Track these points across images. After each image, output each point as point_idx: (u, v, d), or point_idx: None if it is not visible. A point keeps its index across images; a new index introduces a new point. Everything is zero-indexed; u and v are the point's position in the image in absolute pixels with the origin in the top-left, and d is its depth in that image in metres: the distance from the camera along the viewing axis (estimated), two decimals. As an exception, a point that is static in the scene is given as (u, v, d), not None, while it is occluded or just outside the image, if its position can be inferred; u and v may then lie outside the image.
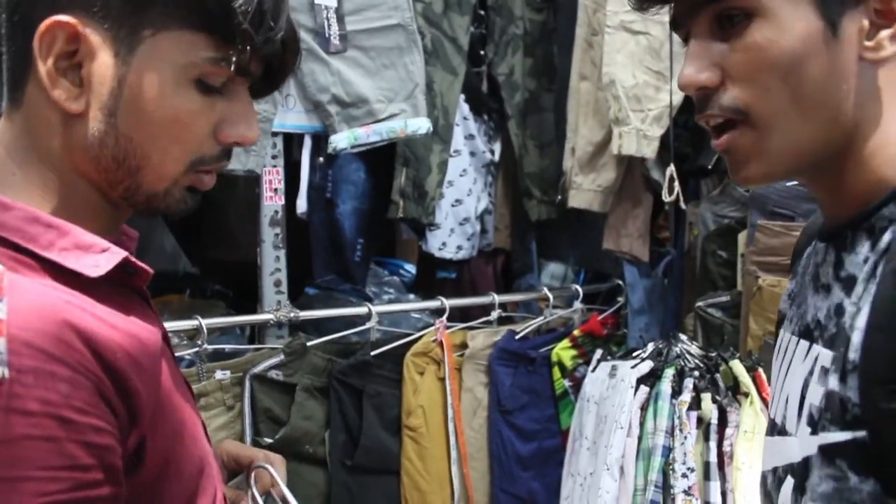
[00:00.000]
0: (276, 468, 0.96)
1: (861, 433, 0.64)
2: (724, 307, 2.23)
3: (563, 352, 2.35)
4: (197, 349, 1.81)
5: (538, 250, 2.73)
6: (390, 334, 2.14)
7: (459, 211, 2.39)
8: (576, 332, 2.39)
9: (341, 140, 2.03)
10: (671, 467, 1.77)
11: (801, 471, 0.71)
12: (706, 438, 1.78)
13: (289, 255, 2.04)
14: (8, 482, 0.58)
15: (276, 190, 2.00)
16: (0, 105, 0.75)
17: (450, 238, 2.39)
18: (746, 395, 1.81)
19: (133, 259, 0.73)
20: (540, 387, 2.34)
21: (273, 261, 2.01)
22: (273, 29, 0.72)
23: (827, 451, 0.67)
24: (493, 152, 2.49)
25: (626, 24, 2.18)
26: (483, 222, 2.49)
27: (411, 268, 2.86)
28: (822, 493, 0.67)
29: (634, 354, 2.02)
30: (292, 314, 2.00)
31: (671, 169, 2.10)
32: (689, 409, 1.80)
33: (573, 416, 2.15)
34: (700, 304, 2.27)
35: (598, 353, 2.15)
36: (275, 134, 2.00)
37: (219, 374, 1.86)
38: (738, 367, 1.85)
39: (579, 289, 2.52)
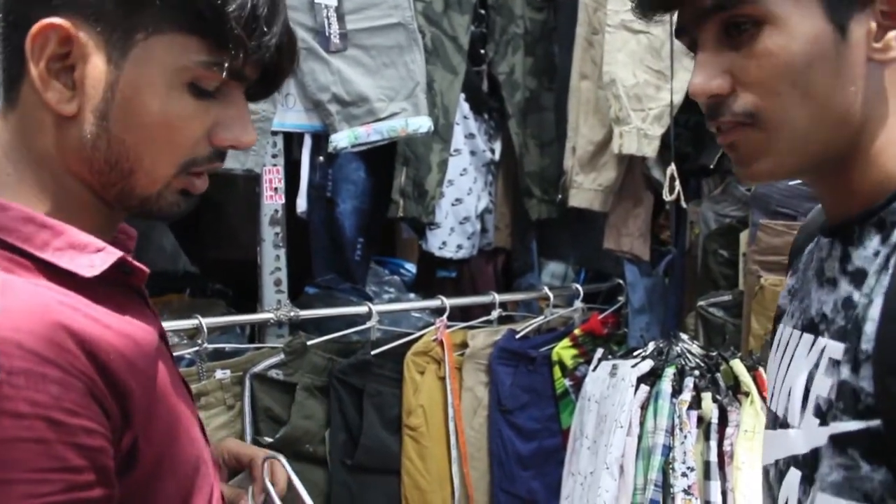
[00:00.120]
0: (275, 467, 0.96)
1: (875, 422, 0.65)
2: (725, 306, 2.23)
3: (564, 351, 2.35)
4: (197, 348, 1.81)
5: (539, 249, 2.73)
6: (391, 333, 2.14)
7: (460, 210, 2.39)
8: (576, 332, 2.39)
9: (342, 139, 2.02)
10: (671, 466, 1.76)
11: (809, 462, 0.72)
12: (706, 438, 1.78)
13: (289, 255, 2.04)
14: None
15: (276, 189, 2.00)
16: None
17: (450, 237, 2.39)
18: (747, 394, 1.81)
19: (129, 259, 0.73)
20: (540, 386, 2.34)
21: (273, 260, 2.01)
22: (267, 34, 0.71)
23: (838, 441, 0.68)
24: (493, 151, 2.49)
25: (626, 23, 2.18)
26: (483, 221, 2.49)
27: (411, 267, 2.86)
28: (832, 483, 0.68)
29: (635, 354, 2.02)
30: (292, 313, 1.99)
31: (672, 168, 2.10)
32: (690, 408, 1.80)
33: (574, 416, 2.15)
34: (701, 303, 2.27)
35: (599, 352, 2.14)
36: (275, 133, 1.99)
37: (219, 374, 1.86)
38: (738, 366, 1.85)
39: (580, 288, 2.52)
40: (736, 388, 1.85)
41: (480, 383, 2.26)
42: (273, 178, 2.00)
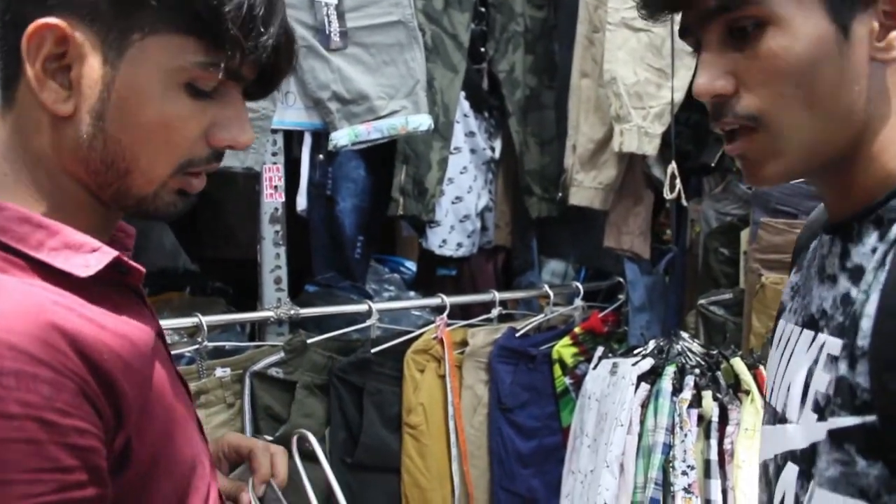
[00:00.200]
0: (275, 458, 0.96)
1: (871, 418, 0.65)
2: (726, 305, 2.23)
3: (564, 349, 2.35)
4: (197, 346, 1.81)
5: (539, 247, 2.73)
6: (391, 332, 2.14)
7: (460, 208, 2.38)
8: (577, 330, 2.38)
9: (342, 137, 2.02)
10: (671, 465, 1.76)
11: (807, 457, 0.72)
12: (707, 436, 1.78)
13: (289, 253, 2.04)
14: None
15: (276, 187, 2.00)
16: None
17: (450, 235, 2.38)
18: (747, 392, 1.81)
19: (124, 258, 0.73)
20: (540, 384, 2.34)
21: (273, 258, 2.00)
22: (264, 34, 0.71)
23: (835, 436, 0.68)
24: (493, 149, 2.48)
25: (627, 20, 2.18)
26: (483, 219, 2.49)
27: (412, 265, 2.85)
28: (829, 478, 0.68)
29: (635, 352, 2.01)
30: (292, 311, 1.99)
31: (673, 166, 2.10)
32: (690, 406, 1.80)
33: (574, 414, 2.15)
34: (702, 301, 2.27)
35: (599, 350, 2.14)
36: (274, 131, 1.99)
37: (219, 372, 1.86)
38: (739, 364, 1.85)
39: (580, 286, 2.52)
40: (736, 387, 1.85)
41: (480, 381, 2.25)
42: (273, 177, 2.00)
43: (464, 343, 2.24)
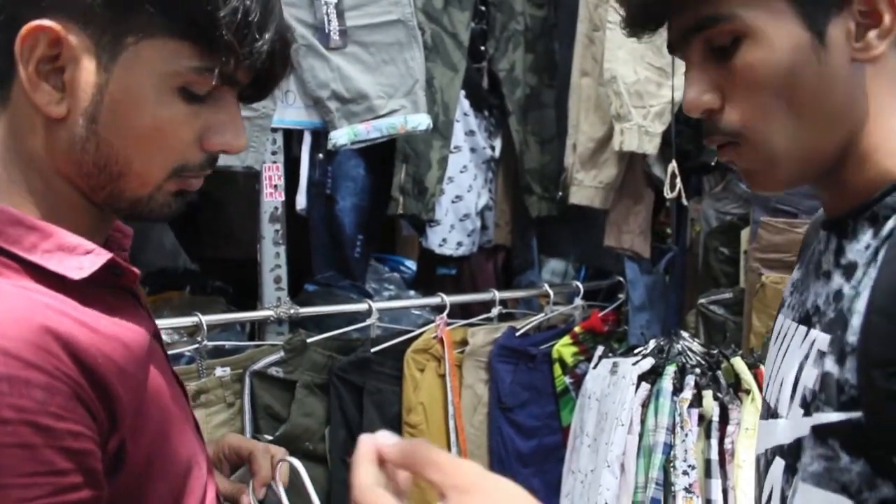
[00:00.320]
0: (282, 467, 0.96)
1: (856, 414, 0.65)
2: (726, 304, 2.22)
3: (564, 348, 2.35)
4: (197, 346, 1.81)
5: (539, 247, 2.73)
6: (391, 331, 2.14)
7: (460, 207, 2.38)
8: (577, 329, 2.38)
9: (341, 136, 2.02)
10: (672, 465, 1.76)
11: (793, 451, 0.73)
12: (707, 436, 1.78)
13: (288, 252, 2.03)
14: None
15: (275, 186, 2.00)
16: None
17: (450, 234, 2.38)
18: (748, 392, 1.81)
19: (119, 260, 0.72)
20: (540, 384, 2.33)
21: (273, 257, 2.00)
22: (259, 40, 0.71)
23: (820, 431, 0.69)
24: (493, 148, 2.48)
25: (627, 19, 2.17)
26: (483, 219, 2.49)
27: (411, 264, 2.85)
28: (812, 473, 0.69)
29: (636, 351, 2.01)
30: (292, 311, 1.99)
31: (673, 165, 2.09)
32: (691, 406, 1.80)
33: (574, 413, 2.15)
34: (702, 300, 2.27)
35: (600, 349, 2.14)
36: (274, 130, 1.99)
37: (219, 371, 1.85)
38: (739, 364, 1.85)
39: (580, 285, 2.51)
40: (737, 386, 1.85)
41: (480, 381, 2.25)
42: (273, 176, 1.99)
43: (464, 342, 2.24)
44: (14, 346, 0.61)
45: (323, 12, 1.99)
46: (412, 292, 2.51)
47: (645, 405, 1.85)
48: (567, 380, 2.33)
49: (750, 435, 1.73)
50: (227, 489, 0.95)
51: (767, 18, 0.70)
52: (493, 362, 2.25)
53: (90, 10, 0.68)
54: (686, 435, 1.76)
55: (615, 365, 1.97)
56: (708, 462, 1.76)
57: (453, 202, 2.37)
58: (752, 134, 0.73)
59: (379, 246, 2.60)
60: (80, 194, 0.73)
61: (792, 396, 0.74)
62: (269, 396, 1.92)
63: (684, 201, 2.19)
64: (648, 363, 1.91)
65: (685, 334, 2.00)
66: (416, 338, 2.13)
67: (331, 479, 2.00)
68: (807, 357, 0.73)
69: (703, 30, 0.72)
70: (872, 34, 0.71)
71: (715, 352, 1.94)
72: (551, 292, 2.43)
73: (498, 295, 2.31)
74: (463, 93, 2.33)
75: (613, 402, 1.90)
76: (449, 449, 2.16)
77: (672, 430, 1.79)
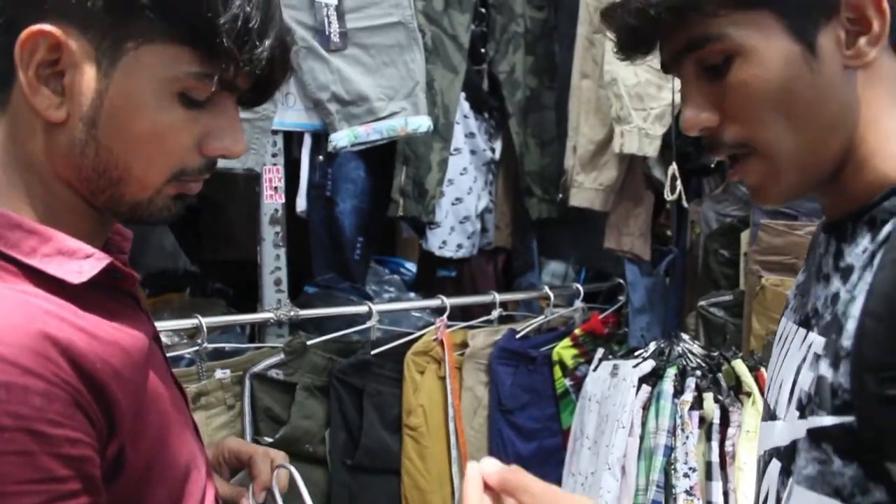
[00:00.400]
0: (277, 464, 0.96)
1: (849, 418, 0.66)
2: (726, 306, 2.22)
3: (564, 351, 2.35)
4: (197, 348, 1.81)
5: (539, 249, 2.73)
6: (391, 333, 2.14)
7: (460, 209, 2.38)
8: (577, 331, 2.38)
9: (341, 138, 2.02)
10: (673, 467, 1.76)
11: (788, 454, 0.73)
12: (708, 438, 1.78)
13: (288, 254, 2.03)
14: None
15: (276, 188, 2.00)
16: None
17: (450, 236, 2.38)
18: (749, 394, 1.81)
19: (118, 264, 0.72)
20: (541, 386, 2.33)
21: (273, 259, 2.00)
22: (259, 46, 0.71)
23: (814, 435, 0.69)
24: (493, 150, 2.48)
25: (627, 21, 2.17)
26: (483, 221, 2.49)
27: (412, 266, 2.85)
28: (806, 476, 0.69)
29: (636, 354, 2.01)
30: (292, 313, 1.99)
31: (673, 168, 2.09)
32: (691, 408, 1.80)
33: (574, 416, 2.15)
34: (702, 303, 2.27)
35: (600, 352, 2.14)
36: (274, 132, 1.99)
37: (219, 373, 1.85)
38: (740, 366, 1.84)
39: (580, 288, 2.51)
40: (738, 389, 1.84)
41: (480, 383, 2.25)
42: (273, 178, 1.99)
43: (464, 344, 2.24)
44: (12, 353, 0.61)
45: (323, 14, 1.99)
46: (412, 294, 2.51)
47: (646, 407, 1.85)
48: (567, 382, 2.33)
49: (751, 437, 1.73)
50: (226, 493, 0.95)
51: (757, 35, 0.71)
52: (494, 364, 2.25)
53: (90, 15, 0.68)
54: (687, 437, 1.76)
55: (616, 367, 1.97)
56: (709, 464, 1.76)
57: (453, 204, 2.37)
58: (757, 143, 0.73)
59: (379, 248, 2.60)
60: (80, 198, 0.73)
61: (790, 399, 0.75)
62: (269, 399, 1.91)
63: (684, 203, 2.19)
64: (649, 365, 1.91)
65: (685, 336, 2.00)
66: (416, 340, 2.13)
67: (331, 481, 2.00)
68: (804, 360, 0.74)
69: (694, 50, 0.73)
70: (863, 41, 0.71)
71: (715, 354, 1.94)
72: (551, 294, 2.43)
73: (498, 297, 2.31)
74: (463, 95, 2.33)
75: (614, 404, 1.89)
76: (449, 451, 2.16)
77: (673, 432, 1.79)
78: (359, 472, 2.02)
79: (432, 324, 2.18)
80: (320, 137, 2.11)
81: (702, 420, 1.80)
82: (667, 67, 0.78)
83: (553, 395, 2.34)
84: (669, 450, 1.78)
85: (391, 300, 2.41)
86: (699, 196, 2.48)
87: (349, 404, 2.01)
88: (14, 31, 0.68)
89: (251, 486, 0.95)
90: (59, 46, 0.68)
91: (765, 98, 0.71)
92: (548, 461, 2.29)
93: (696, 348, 1.96)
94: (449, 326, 2.19)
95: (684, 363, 1.91)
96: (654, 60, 0.80)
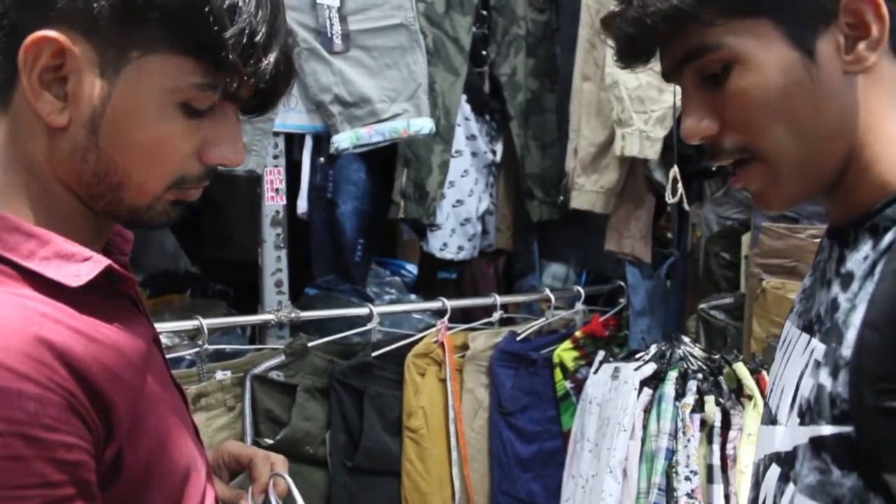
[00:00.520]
0: (277, 467, 0.96)
1: (847, 428, 0.66)
2: (726, 309, 2.22)
3: (565, 353, 2.35)
4: (198, 349, 1.81)
5: (540, 251, 2.73)
6: (391, 335, 2.14)
7: (461, 211, 2.38)
8: (577, 334, 2.38)
9: (344, 140, 2.02)
10: (674, 470, 1.76)
11: (789, 460, 0.73)
12: (709, 441, 1.77)
13: (289, 256, 2.03)
14: None
15: (277, 190, 1.99)
16: None
17: (451, 239, 2.38)
18: (750, 397, 1.80)
19: (116, 267, 0.72)
20: (541, 388, 2.33)
21: (274, 261, 2.00)
22: (263, 61, 0.71)
23: (814, 444, 0.69)
24: (494, 153, 2.48)
25: (629, 24, 2.17)
26: (484, 223, 2.49)
27: (412, 268, 2.85)
28: (807, 485, 0.69)
29: (637, 356, 2.01)
30: (293, 314, 1.99)
31: (674, 170, 2.09)
32: (693, 411, 1.79)
33: (574, 418, 2.14)
34: (703, 305, 2.27)
35: (601, 354, 2.14)
36: (276, 134, 1.99)
37: (219, 375, 1.85)
38: (741, 369, 1.84)
39: (581, 290, 2.51)
40: (739, 392, 1.84)
41: (481, 385, 2.25)
42: (274, 180, 1.99)
43: (465, 347, 2.24)
44: (6, 357, 0.60)
45: (325, 16, 1.99)
46: (413, 296, 2.51)
47: (647, 410, 1.85)
48: (568, 384, 2.33)
49: (752, 441, 1.73)
50: (225, 495, 0.95)
51: (755, 43, 0.71)
52: (494, 367, 2.25)
53: (96, 23, 0.67)
54: (688, 440, 1.76)
55: (616, 370, 1.97)
56: (710, 467, 1.76)
57: (454, 206, 2.37)
58: (758, 150, 0.74)
59: (380, 250, 2.60)
60: (79, 201, 0.73)
61: (792, 405, 0.74)
62: (269, 400, 1.91)
63: (686, 206, 2.19)
64: (650, 368, 1.91)
65: (686, 339, 2.00)
66: (416, 342, 2.13)
67: (331, 483, 2.00)
68: (806, 366, 0.73)
69: (693, 60, 0.73)
70: (862, 46, 0.71)
71: (717, 357, 1.94)
72: (552, 297, 2.43)
73: (499, 299, 2.31)
74: (464, 97, 2.33)
75: (615, 407, 1.89)
76: (449, 453, 2.16)
77: (674, 435, 1.79)
78: (359, 474, 2.02)
79: (433, 326, 2.18)
80: (321, 139, 2.11)
81: (703, 423, 1.79)
82: (667, 76, 0.79)
83: (553, 397, 2.34)
84: (671, 453, 1.78)
85: (392, 302, 2.41)
86: (700, 199, 2.48)
87: (350, 406, 2.01)
88: (19, 35, 0.68)
89: (250, 488, 0.95)
90: (62, 52, 0.68)
91: (764, 106, 0.71)
92: (548, 463, 2.29)
93: (697, 351, 1.96)
94: (450, 328, 2.18)
95: (685, 366, 1.90)
96: (656, 64, 0.80)
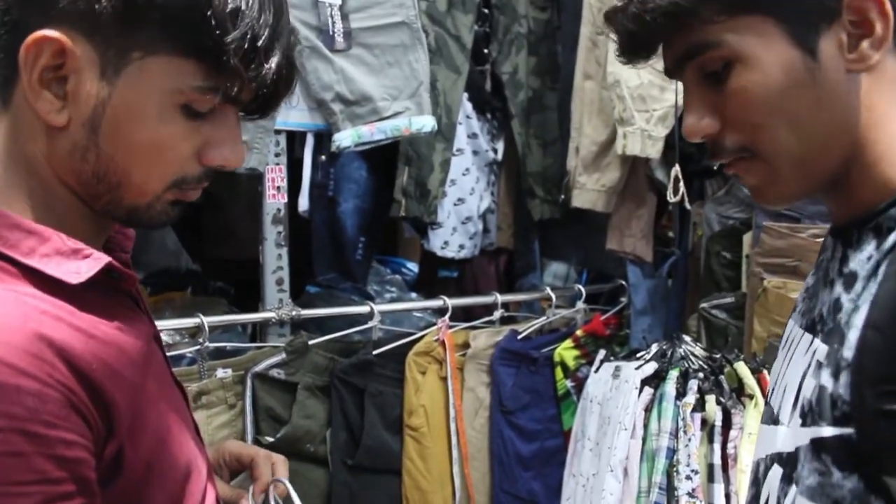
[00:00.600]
0: (277, 467, 0.97)
1: (848, 430, 0.65)
2: (728, 308, 2.22)
3: (566, 352, 2.34)
4: (198, 347, 1.81)
5: (541, 250, 2.72)
6: (392, 333, 2.14)
7: (462, 210, 2.38)
8: (578, 333, 2.38)
9: (345, 138, 2.02)
10: (675, 469, 1.76)
11: (791, 461, 0.72)
12: (710, 440, 1.77)
13: (290, 254, 2.03)
14: None
15: (278, 188, 2.00)
16: None
17: (452, 237, 2.38)
18: (751, 397, 1.80)
19: (116, 264, 0.72)
20: (542, 387, 2.33)
21: (275, 259, 2.00)
22: (265, 65, 0.70)
23: (815, 445, 0.69)
24: (496, 151, 2.48)
25: (631, 23, 2.17)
26: (486, 221, 2.49)
27: (413, 266, 2.85)
28: (808, 486, 0.69)
29: (638, 355, 2.01)
30: (294, 312, 1.99)
31: (676, 169, 2.09)
32: (694, 410, 1.79)
33: (575, 417, 2.14)
34: (704, 305, 2.27)
35: (601, 353, 2.14)
36: (278, 132, 1.99)
37: (220, 373, 1.85)
38: (742, 368, 1.84)
39: (582, 289, 2.51)
40: (740, 391, 1.84)
41: (482, 384, 2.25)
42: (276, 177, 1.99)
43: (465, 345, 2.24)
44: (5, 353, 0.60)
45: (327, 14, 1.99)
46: (414, 295, 2.51)
47: (648, 409, 1.85)
48: (568, 383, 2.33)
49: (753, 440, 1.73)
50: (226, 494, 0.95)
51: (756, 42, 0.70)
52: (495, 365, 2.25)
53: (98, 23, 0.67)
54: (689, 439, 1.76)
55: (617, 369, 1.96)
56: (711, 467, 1.76)
57: (455, 205, 2.37)
58: (758, 149, 0.73)
59: (381, 248, 2.60)
60: (79, 200, 0.73)
61: (794, 405, 0.74)
62: (270, 398, 1.91)
63: (687, 205, 2.19)
64: (651, 367, 1.90)
65: (687, 338, 2.00)
66: (417, 340, 2.13)
67: (331, 481, 2.00)
68: (809, 366, 0.73)
69: (694, 57, 0.73)
70: (865, 44, 0.70)
71: (718, 356, 1.93)
72: (553, 295, 2.43)
73: (500, 298, 2.31)
74: (466, 95, 2.33)
75: (616, 406, 1.89)
76: (450, 452, 2.16)
77: (675, 434, 1.78)
78: (360, 473, 2.02)
79: (434, 324, 2.18)
80: (323, 137, 2.11)
81: (704, 422, 1.79)
82: (669, 73, 0.78)
83: (554, 396, 2.34)
84: (672, 452, 1.78)
85: (393, 300, 2.41)
86: (701, 198, 2.48)
87: (350, 404, 2.01)
88: (20, 32, 0.67)
89: (251, 488, 0.95)
90: (63, 52, 0.68)
91: (764, 105, 0.71)
92: (549, 462, 2.29)
93: (699, 350, 1.96)
94: (451, 327, 2.18)
95: (686, 365, 1.90)
96: (657, 62, 0.80)
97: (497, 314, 2.30)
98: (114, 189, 0.72)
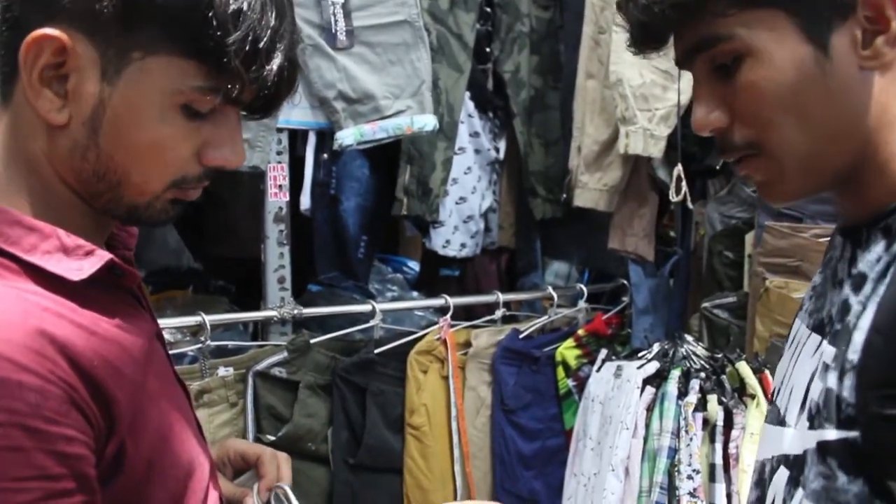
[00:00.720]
0: (281, 465, 0.96)
1: (853, 433, 0.65)
2: (730, 308, 2.22)
3: (568, 351, 2.34)
4: (200, 345, 1.81)
5: (543, 249, 2.72)
6: (394, 332, 2.14)
7: (463, 209, 2.38)
8: (580, 332, 2.38)
9: (347, 137, 2.02)
10: (676, 469, 1.75)
11: (798, 464, 0.72)
12: (712, 440, 1.77)
13: (292, 252, 2.03)
14: None
15: (280, 186, 2.00)
16: None
17: (454, 236, 2.38)
18: (753, 396, 1.80)
19: (118, 261, 0.72)
20: (543, 386, 2.33)
21: (277, 257, 2.00)
22: (266, 66, 0.70)
23: (821, 448, 0.68)
24: (497, 150, 2.48)
25: (633, 22, 2.17)
26: (487, 220, 2.49)
27: (415, 265, 2.85)
28: (813, 490, 0.68)
29: (640, 355, 2.01)
30: (296, 311, 1.99)
31: (678, 169, 2.09)
32: (695, 410, 1.79)
33: (577, 416, 2.14)
34: (706, 304, 2.26)
35: (603, 352, 2.14)
36: (280, 130, 1.99)
37: (222, 371, 1.85)
38: (744, 368, 1.84)
39: (584, 288, 2.51)
40: (741, 391, 1.84)
41: (483, 383, 2.25)
42: (278, 176, 1.99)
43: (467, 344, 2.23)
44: (7, 349, 0.60)
45: (330, 12, 1.99)
46: (415, 293, 2.51)
47: (649, 409, 1.84)
48: (570, 382, 2.33)
49: (754, 440, 1.73)
50: (230, 492, 0.95)
51: (767, 36, 0.69)
52: (497, 364, 2.25)
53: (99, 22, 0.67)
54: (691, 439, 1.76)
55: (619, 368, 1.96)
56: (712, 466, 1.76)
57: (457, 203, 2.37)
58: (766, 144, 0.72)
59: (382, 247, 2.59)
60: (79, 198, 0.73)
61: (801, 407, 0.73)
62: (271, 397, 1.91)
63: (689, 204, 2.19)
64: (653, 367, 1.90)
65: (689, 338, 2.00)
66: (419, 339, 2.13)
67: (333, 479, 2.00)
68: (816, 368, 0.72)
69: (705, 50, 0.72)
70: (880, 41, 0.69)
71: (719, 356, 1.93)
72: (555, 295, 2.43)
73: (501, 297, 2.31)
74: (468, 94, 2.32)
75: (618, 405, 1.89)
76: (451, 451, 2.16)
77: (677, 434, 1.78)
78: (361, 471, 2.02)
79: (435, 323, 2.18)
80: (325, 135, 2.11)
81: (705, 422, 1.79)
82: (680, 64, 0.77)
83: (556, 395, 2.34)
84: (673, 451, 1.78)
85: (394, 299, 2.41)
86: (704, 197, 2.48)
87: (352, 403, 2.01)
88: (21, 30, 0.67)
89: (255, 486, 0.95)
90: (64, 51, 0.67)
91: (774, 100, 0.70)
92: (550, 461, 2.29)
93: (700, 350, 1.96)
94: (452, 326, 2.18)
95: (688, 365, 1.90)
96: (660, 61, 0.80)
97: (499, 313, 2.30)
98: (114, 188, 0.72)
